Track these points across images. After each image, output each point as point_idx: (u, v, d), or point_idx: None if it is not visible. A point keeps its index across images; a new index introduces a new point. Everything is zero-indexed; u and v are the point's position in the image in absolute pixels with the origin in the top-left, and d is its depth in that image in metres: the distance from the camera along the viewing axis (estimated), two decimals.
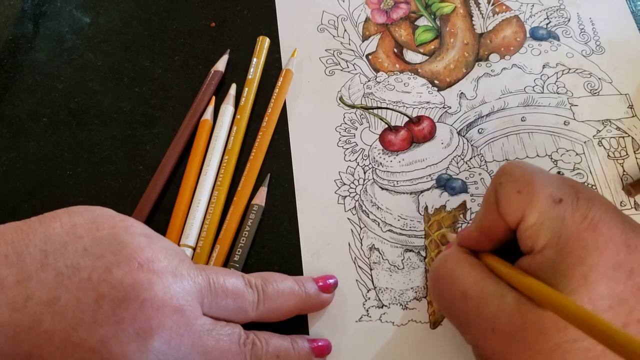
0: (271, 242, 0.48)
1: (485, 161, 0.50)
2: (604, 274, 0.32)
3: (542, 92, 0.53)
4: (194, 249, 0.47)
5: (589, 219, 0.33)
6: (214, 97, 0.53)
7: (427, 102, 0.53)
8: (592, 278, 0.31)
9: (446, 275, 0.38)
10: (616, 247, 0.32)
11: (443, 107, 0.53)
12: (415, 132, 0.52)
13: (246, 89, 0.53)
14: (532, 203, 0.34)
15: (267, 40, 0.56)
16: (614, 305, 0.31)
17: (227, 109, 0.52)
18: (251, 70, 0.54)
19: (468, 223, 0.48)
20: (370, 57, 0.56)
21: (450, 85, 0.54)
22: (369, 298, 0.45)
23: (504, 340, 0.33)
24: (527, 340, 0.32)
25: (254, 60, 0.55)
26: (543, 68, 0.54)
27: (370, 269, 0.46)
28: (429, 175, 0.50)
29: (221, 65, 0.54)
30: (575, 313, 0.28)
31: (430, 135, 0.52)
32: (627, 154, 0.50)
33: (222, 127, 0.51)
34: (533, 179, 0.35)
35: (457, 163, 0.50)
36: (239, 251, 0.46)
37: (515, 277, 0.34)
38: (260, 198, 0.48)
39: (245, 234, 0.47)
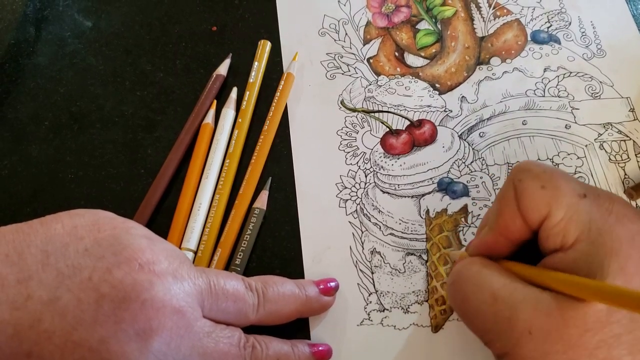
0: (272, 245, 0.47)
1: (487, 165, 0.50)
2: (639, 265, 0.31)
3: (543, 96, 0.52)
4: (195, 253, 0.46)
5: (615, 214, 0.33)
6: (215, 101, 0.52)
7: (428, 106, 0.52)
8: (629, 269, 0.31)
9: (472, 277, 0.36)
10: None
11: (444, 111, 0.52)
12: (416, 135, 0.51)
13: (247, 93, 0.53)
14: (559, 198, 0.33)
15: (269, 44, 0.55)
16: None
17: (229, 112, 0.52)
18: (252, 74, 0.53)
19: (470, 226, 0.47)
20: (371, 60, 0.55)
21: (451, 88, 0.53)
22: (371, 302, 0.45)
23: (543, 341, 0.31)
24: (570, 339, 0.31)
25: (255, 64, 0.54)
26: (544, 71, 0.54)
27: (372, 273, 0.46)
28: (430, 178, 0.49)
29: (223, 69, 0.54)
30: (628, 295, 0.27)
31: (431, 138, 0.51)
32: (628, 158, 0.49)
33: (223, 130, 0.51)
34: (555, 174, 0.34)
35: (459, 166, 0.50)
36: (240, 255, 0.46)
37: (549, 276, 0.32)
38: (262, 202, 0.48)
39: (247, 237, 0.46)
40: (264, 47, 0.55)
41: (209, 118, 0.51)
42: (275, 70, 0.55)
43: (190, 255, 0.46)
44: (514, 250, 0.37)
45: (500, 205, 0.36)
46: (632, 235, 0.32)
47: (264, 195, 0.48)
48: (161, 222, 0.48)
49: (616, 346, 0.30)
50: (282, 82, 0.53)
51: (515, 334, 0.32)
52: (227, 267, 0.46)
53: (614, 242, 0.31)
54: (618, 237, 0.32)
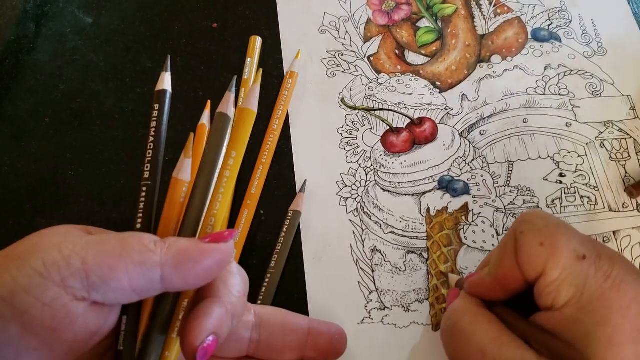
0: (273, 244, 0.46)
1: (487, 163, 0.48)
2: (629, 336, 0.29)
3: (544, 94, 0.51)
4: None
5: (612, 278, 0.31)
6: (209, 102, 0.50)
7: (429, 104, 0.51)
8: (616, 340, 0.29)
9: (462, 330, 0.35)
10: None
11: (445, 109, 0.50)
12: (417, 133, 0.49)
13: (243, 90, 0.51)
14: (556, 257, 0.32)
15: (259, 40, 0.54)
16: None
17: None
18: (246, 70, 0.52)
19: (470, 224, 0.45)
20: (371, 58, 0.53)
21: (452, 86, 0.52)
22: (371, 300, 0.43)
23: None
24: None
25: (248, 60, 0.52)
26: (545, 69, 0.52)
27: (372, 271, 0.44)
28: (431, 176, 0.48)
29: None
30: None
31: (432, 136, 0.49)
32: (629, 156, 0.48)
33: None
34: (557, 232, 0.33)
35: (459, 165, 0.48)
36: (275, 257, 0.44)
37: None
38: (298, 204, 0.46)
39: (281, 240, 0.45)
40: (255, 43, 0.54)
41: (204, 119, 0.49)
42: (276, 68, 0.53)
43: None
44: (510, 297, 0.35)
45: (501, 253, 0.35)
46: (627, 302, 0.30)
47: (300, 198, 0.47)
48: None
49: None
50: (289, 81, 0.51)
51: None
52: (262, 271, 0.44)
53: (605, 310, 0.30)
54: (611, 304, 0.30)
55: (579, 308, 0.31)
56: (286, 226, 0.45)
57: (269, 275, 0.44)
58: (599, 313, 0.30)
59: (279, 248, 0.45)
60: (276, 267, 0.44)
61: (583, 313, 0.30)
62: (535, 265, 0.32)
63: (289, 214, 0.46)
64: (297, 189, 0.48)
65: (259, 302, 0.43)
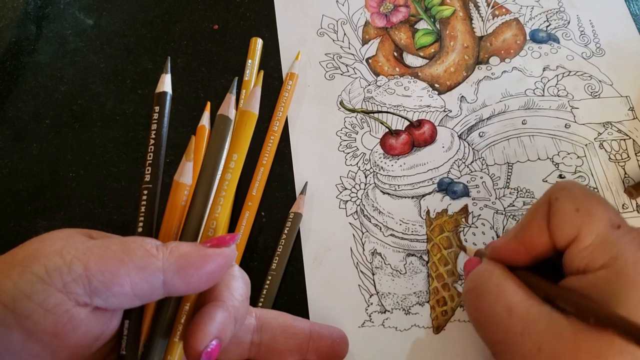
0: (273, 246, 0.45)
1: (487, 165, 0.47)
2: None
3: (543, 95, 0.50)
4: None
5: None
6: (209, 103, 0.50)
7: (428, 106, 0.50)
8: None
9: (489, 290, 0.34)
10: None
11: (444, 111, 0.50)
12: (416, 135, 0.49)
13: (243, 91, 0.50)
14: (591, 224, 0.32)
15: (260, 41, 0.53)
16: None
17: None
18: (247, 72, 0.51)
19: (470, 227, 0.45)
20: (370, 60, 0.53)
21: (450, 88, 0.51)
22: (372, 303, 0.43)
23: None
24: None
25: (249, 61, 0.52)
26: (543, 71, 0.51)
27: (373, 274, 0.44)
28: (431, 179, 0.47)
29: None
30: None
31: (431, 139, 0.49)
32: (628, 157, 0.47)
33: None
34: (594, 200, 0.33)
35: (459, 167, 0.47)
36: (276, 259, 0.44)
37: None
38: (299, 206, 0.46)
39: (282, 242, 0.44)
40: (255, 45, 0.53)
41: (204, 120, 0.49)
42: (276, 69, 0.52)
43: None
44: (532, 264, 0.35)
45: (531, 217, 0.35)
46: None
47: (301, 200, 0.46)
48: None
49: None
50: (289, 82, 0.51)
51: (524, 349, 0.31)
52: (264, 272, 0.44)
53: (637, 275, 0.30)
54: None
55: (613, 272, 0.30)
56: (287, 228, 0.45)
57: (269, 278, 0.43)
58: (631, 277, 0.30)
59: (280, 250, 0.44)
60: (277, 270, 0.43)
61: (616, 276, 0.30)
62: (568, 230, 0.32)
63: (290, 216, 0.45)
64: (297, 192, 0.47)
65: (260, 305, 0.42)
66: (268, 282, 0.43)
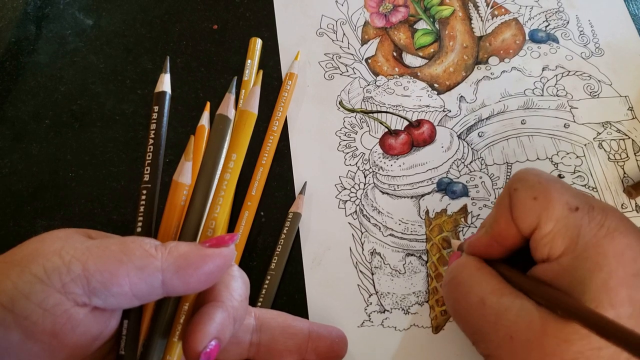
0: (272, 245, 0.45)
1: (486, 164, 0.47)
2: (623, 281, 0.30)
3: (542, 95, 0.50)
4: None
5: (606, 227, 0.31)
6: (208, 103, 0.49)
7: (427, 106, 0.50)
8: (611, 284, 0.29)
9: (464, 282, 0.35)
10: (634, 254, 0.31)
11: (443, 111, 0.49)
12: (415, 135, 0.48)
13: (243, 91, 0.50)
14: (549, 210, 0.32)
15: (259, 41, 0.53)
16: (635, 314, 0.29)
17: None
18: (246, 72, 0.51)
19: (469, 226, 0.45)
20: (369, 60, 0.52)
21: (449, 88, 0.51)
22: (371, 303, 0.43)
23: (522, 348, 0.31)
24: (548, 348, 0.30)
25: (248, 61, 0.51)
26: (542, 71, 0.51)
27: (372, 274, 0.43)
28: (430, 179, 0.47)
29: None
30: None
31: (430, 138, 0.48)
32: (627, 156, 0.47)
33: None
34: (549, 186, 0.33)
35: (458, 166, 0.47)
36: (275, 259, 0.43)
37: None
38: (298, 206, 0.46)
39: (282, 242, 0.44)
40: (255, 44, 0.53)
41: (204, 120, 0.48)
42: (276, 69, 0.52)
43: None
44: (508, 254, 0.36)
45: (497, 211, 0.35)
46: (621, 249, 0.31)
47: (300, 200, 0.46)
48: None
49: (594, 359, 0.29)
50: (288, 82, 0.50)
51: (498, 338, 0.32)
52: (264, 271, 0.44)
53: (599, 257, 0.30)
54: (605, 251, 0.30)
55: (574, 257, 0.31)
56: (286, 228, 0.44)
57: (269, 278, 0.43)
58: (594, 260, 0.30)
59: (279, 250, 0.44)
60: (276, 269, 0.43)
61: (578, 261, 0.31)
62: (529, 219, 0.33)
63: (289, 216, 0.45)
64: (296, 191, 0.47)
65: (259, 304, 0.42)
66: (267, 282, 0.43)
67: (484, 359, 0.34)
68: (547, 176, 0.34)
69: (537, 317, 0.31)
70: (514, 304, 0.32)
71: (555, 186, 0.33)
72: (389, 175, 0.47)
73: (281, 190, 0.47)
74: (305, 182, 0.47)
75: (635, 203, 0.46)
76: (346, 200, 0.46)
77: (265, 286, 0.43)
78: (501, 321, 0.32)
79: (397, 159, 0.48)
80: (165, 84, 0.36)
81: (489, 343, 0.33)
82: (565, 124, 0.48)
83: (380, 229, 0.45)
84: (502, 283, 0.34)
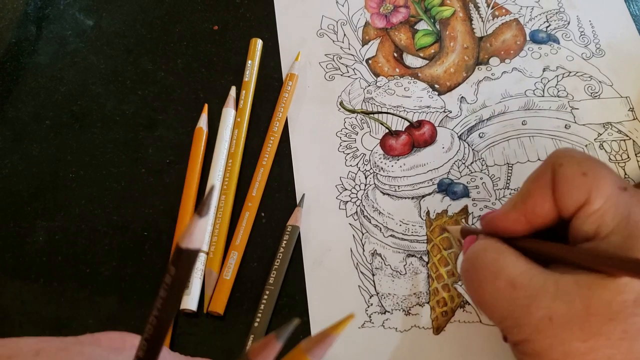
0: (273, 247, 0.44)
1: (487, 165, 0.47)
2: None
3: (543, 96, 0.49)
4: (207, 254, 0.44)
5: None
6: (206, 105, 0.49)
7: (428, 107, 0.49)
8: None
9: (486, 266, 0.33)
10: None
11: (444, 112, 0.49)
12: (416, 136, 0.48)
13: (243, 92, 0.50)
14: (600, 187, 0.31)
15: (260, 42, 0.53)
16: None
17: (229, 111, 0.49)
18: (247, 72, 0.51)
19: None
20: (370, 61, 0.52)
21: (450, 89, 0.50)
22: (372, 304, 0.42)
23: (563, 328, 0.29)
24: (592, 327, 0.29)
25: (249, 62, 0.51)
26: (543, 71, 0.51)
27: (373, 275, 0.43)
28: (430, 179, 0.46)
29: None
30: None
31: (431, 139, 0.48)
32: (628, 157, 0.47)
33: (225, 129, 0.48)
34: (597, 164, 0.32)
35: (459, 167, 0.47)
36: (273, 274, 0.43)
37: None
38: (296, 219, 0.45)
39: (280, 255, 0.43)
40: (255, 45, 0.52)
41: (202, 122, 0.48)
42: (276, 70, 0.52)
43: (203, 256, 0.44)
44: (531, 234, 0.34)
45: (533, 186, 0.33)
46: None
47: (298, 212, 0.45)
48: (164, 224, 0.46)
49: None
50: (289, 83, 0.50)
51: (534, 321, 0.30)
52: (264, 281, 0.43)
53: None
54: None
55: (627, 236, 0.30)
56: (285, 241, 0.44)
57: (267, 292, 0.42)
58: None
59: (277, 264, 0.43)
60: (274, 284, 0.42)
61: (630, 239, 0.29)
62: (577, 195, 0.31)
63: (288, 229, 0.44)
64: (297, 193, 0.46)
65: (257, 319, 0.41)
66: (265, 297, 0.42)
67: (512, 347, 0.33)
68: (593, 156, 0.33)
69: (578, 295, 0.29)
70: (549, 281, 0.30)
71: (604, 165, 0.32)
72: (389, 176, 0.47)
73: (282, 191, 0.47)
74: (304, 195, 0.46)
75: None
76: (347, 201, 0.46)
77: (264, 301, 0.42)
78: (536, 303, 0.30)
79: (397, 160, 0.47)
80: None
81: (523, 327, 0.31)
82: (566, 125, 0.48)
83: (381, 230, 0.45)
84: (531, 263, 0.32)
